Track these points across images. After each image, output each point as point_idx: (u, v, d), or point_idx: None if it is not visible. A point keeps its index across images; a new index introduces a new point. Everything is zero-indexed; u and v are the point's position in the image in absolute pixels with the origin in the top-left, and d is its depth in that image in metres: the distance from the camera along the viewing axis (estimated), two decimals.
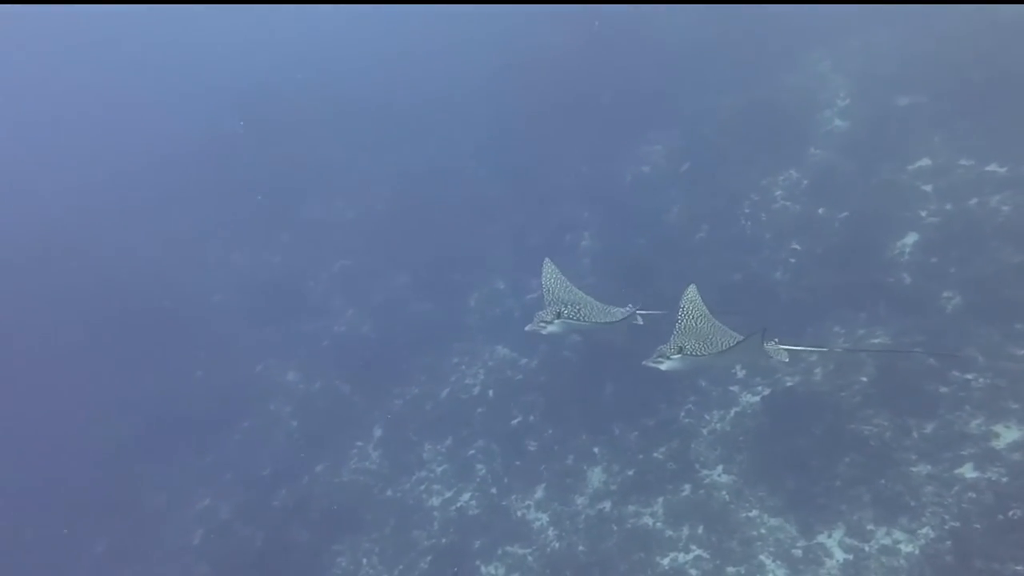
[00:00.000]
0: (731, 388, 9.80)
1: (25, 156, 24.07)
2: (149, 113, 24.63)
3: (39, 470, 13.33)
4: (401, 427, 11.92)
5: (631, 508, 8.83)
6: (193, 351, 15.21)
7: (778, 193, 12.26)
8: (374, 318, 14.67)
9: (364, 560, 10.05)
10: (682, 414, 9.76)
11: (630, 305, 8.63)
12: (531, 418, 11.03)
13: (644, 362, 7.24)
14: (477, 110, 18.60)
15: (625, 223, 13.45)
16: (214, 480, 12.58)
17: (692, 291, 7.95)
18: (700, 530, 8.13)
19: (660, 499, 8.74)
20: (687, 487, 8.71)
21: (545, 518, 9.40)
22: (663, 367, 7.18)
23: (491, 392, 11.90)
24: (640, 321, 8.62)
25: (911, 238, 10.12)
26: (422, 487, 10.81)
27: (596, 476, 9.59)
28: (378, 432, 12.13)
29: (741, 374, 9.90)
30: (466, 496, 10.36)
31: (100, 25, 32.60)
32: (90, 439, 13.83)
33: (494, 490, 10.24)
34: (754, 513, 7.99)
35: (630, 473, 9.32)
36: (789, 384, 9.20)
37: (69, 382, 14.85)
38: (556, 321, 7.97)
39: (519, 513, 9.65)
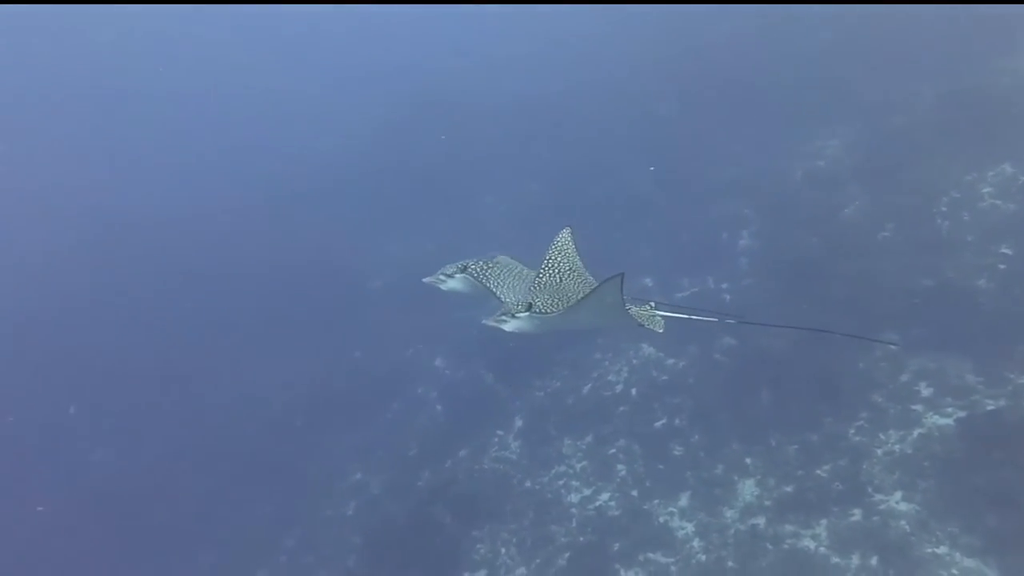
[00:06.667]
0: (913, 407, 8.64)
1: (213, 149, 26.89)
2: (322, 106, 26.78)
3: (219, 436, 14.76)
4: (542, 419, 11.85)
5: (788, 528, 8.04)
6: (353, 332, 16.22)
7: (986, 190, 10.64)
8: None
9: (503, 550, 10.06)
10: (852, 431, 8.75)
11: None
12: (676, 421, 10.49)
13: (483, 321, 5.59)
14: (633, 102, 18.18)
15: (793, 221, 12.40)
16: (366, 456, 13.27)
17: (564, 236, 6.07)
18: (874, 561, 7.19)
19: (824, 521, 7.88)
20: (857, 511, 7.77)
21: (690, 527, 8.84)
22: (507, 327, 5.50)
23: (634, 391, 11.48)
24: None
25: None
26: (560, 482, 10.64)
27: (748, 489, 8.87)
28: (519, 422, 12.15)
29: (926, 392, 8.70)
30: (605, 496, 10.04)
31: (288, 23, 35.99)
32: (260, 409, 15.11)
33: (635, 492, 9.82)
34: (943, 550, 6.92)
35: (788, 489, 8.51)
36: (991, 407, 7.90)
37: (246, 355, 16.42)
38: (459, 276, 6.14)
39: (661, 519, 9.17)
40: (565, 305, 5.31)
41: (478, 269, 5.99)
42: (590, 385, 12.05)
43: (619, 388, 11.69)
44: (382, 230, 19.39)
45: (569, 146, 18.56)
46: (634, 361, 12.04)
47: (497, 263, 6.24)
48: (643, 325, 5.52)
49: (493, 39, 27.02)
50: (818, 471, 8.49)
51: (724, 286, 12.45)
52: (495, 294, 5.75)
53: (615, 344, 12.53)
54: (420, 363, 14.82)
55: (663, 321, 5.68)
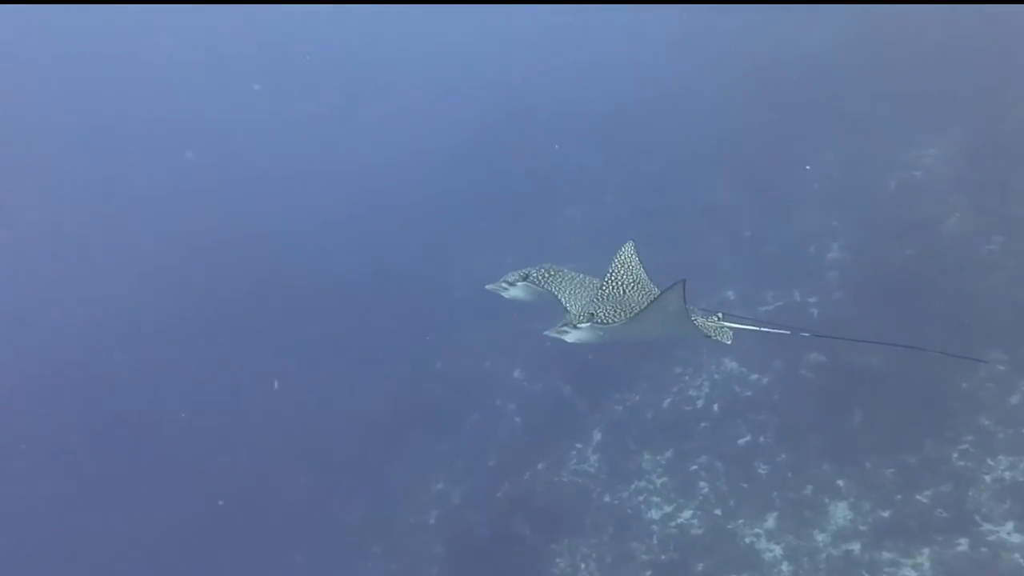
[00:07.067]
0: None
1: (309, 165, 28.03)
2: (409, 121, 27.53)
3: (310, 440, 15.40)
4: (620, 433, 11.78)
5: (886, 555, 7.68)
6: (436, 342, 16.59)
7: None
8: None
9: (582, 565, 10.05)
10: (955, 455, 8.29)
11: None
12: (761, 439, 10.20)
13: (545, 332, 5.61)
14: (713, 111, 17.86)
15: (887, 234, 11.86)
16: (447, 466, 13.51)
17: (628, 250, 6.09)
18: None
19: (926, 550, 7.49)
20: (963, 541, 7.34)
21: (778, 550, 8.58)
22: (568, 338, 5.55)
23: (716, 407, 11.25)
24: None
25: None
26: (641, 497, 10.54)
27: (841, 512, 8.53)
28: (597, 436, 12.12)
29: None
30: (687, 513, 9.88)
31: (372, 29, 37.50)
32: (350, 418, 15.57)
33: (718, 511, 9.62)
34: None
35: (884, 514, 8.13)
36: None
37: (334, 363, 17.08)
38: (520, 284, 6.12)
39: (747, 540, 8.94)
40: (628, 316, 5.30)
41: (540, 277, 6.05)
42: (670, 399, 11.89)
43: (700, 403, 11.48)
44: (468, 240, 19.66)
45: (651, 156, 18.40)
46: (716, 376, 11.80)
47: (560, 272, 6.32)
48: (710, 336, 5.46)
49: (579, 47, 27.07)
50: (918, 496, 8.08)
51: (812, 300, 12.03)
52: (557, 299, 5.83)
53: (696, 358, 12.32)
54: (499, 374, 15.00)
55: (731, 333, 5.57)
